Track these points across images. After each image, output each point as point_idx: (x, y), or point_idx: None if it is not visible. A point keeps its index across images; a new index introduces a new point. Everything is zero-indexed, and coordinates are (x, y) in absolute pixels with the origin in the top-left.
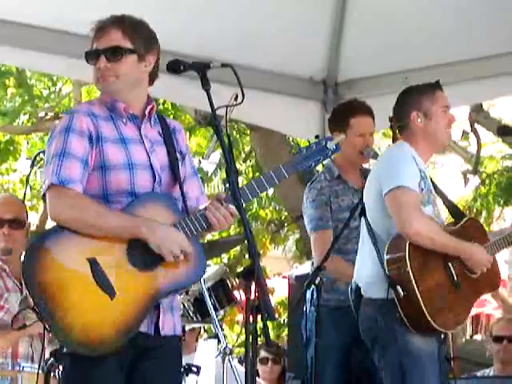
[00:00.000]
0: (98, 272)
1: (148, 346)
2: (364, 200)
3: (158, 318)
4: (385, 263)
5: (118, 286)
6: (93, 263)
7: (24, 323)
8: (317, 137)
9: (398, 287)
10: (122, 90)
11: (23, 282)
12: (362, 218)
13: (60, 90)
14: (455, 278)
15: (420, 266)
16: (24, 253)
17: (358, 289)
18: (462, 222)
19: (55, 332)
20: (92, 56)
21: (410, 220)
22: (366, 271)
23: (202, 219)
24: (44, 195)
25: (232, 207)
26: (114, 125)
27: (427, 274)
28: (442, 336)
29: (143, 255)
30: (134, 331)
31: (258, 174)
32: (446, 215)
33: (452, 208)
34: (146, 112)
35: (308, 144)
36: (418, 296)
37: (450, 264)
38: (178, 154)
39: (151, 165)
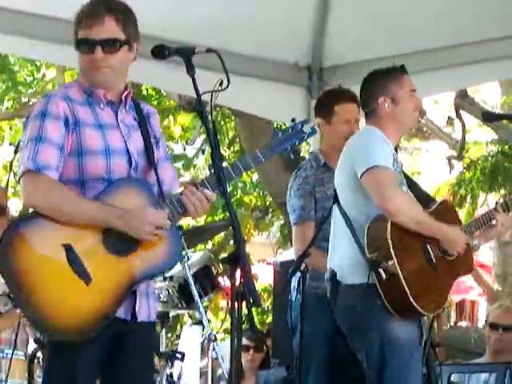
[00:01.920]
0: (74, 258)
1: (124, 330)
2: (336, 184)
3: (135, 303)
4: (365, 246)
5: (93, 272)
6: (68, 249)
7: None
8: (293, 120)
9: (381, 270)
10: (113, 81)
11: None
12: (334, 205)
13: (44, 75)
14: (433, 259)
15: (401, 248)
16: None
17: (334, 275)
18: (435, 205)
19: (31, 319)
20: (86, 45)
21: (391, 196)
22: (341, 256)
23: (178, 204)
24: (19, 179)
25: (207, 191)
26: (91, 110)
27: (408, 255)
28: (422, 321)
29: (119, 241)
30: (110, 317)
31: None
32: None
33: (421, 195)
34: (123, 97)
35: (284, 127)
36: (401, 278)
37: (427, 246)
38: (152, 139)
39: (128, 150)
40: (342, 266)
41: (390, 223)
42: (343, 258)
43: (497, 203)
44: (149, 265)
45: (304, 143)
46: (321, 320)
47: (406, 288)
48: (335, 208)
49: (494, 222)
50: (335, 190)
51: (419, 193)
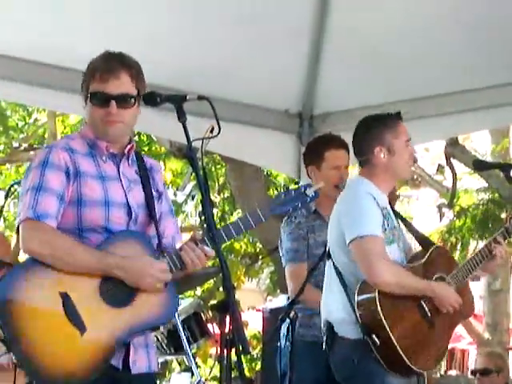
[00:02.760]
0: (70, 306)
1: (118, 378)
2: (329, 243)
3: (128, 354)
4: (355, 307)
5: (88, 321)
6: (65, 297)
7: None
8: (296, 183)
9: (373, 335)
10: (123, 135)
11: None
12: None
13: (35, 120)
14: (428, 314)
15: (392, 310)
16: None
17: (330, 326)
18: (428, 253)
19: (24, 365)
20: (100, 99)
21: (376, 270)
22: (336, 309)
23: (177, 259)
24: (18, 227)
25: (207, 249)
26: (93, 161)
27: (400, 316)
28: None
29: (115, 292)
30: (102, 368)
31: (232, 206)
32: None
33: (420, 238)
34: (126, 151)
35: (286, 189)
36: (394, 342)
37: (422, 301)
38: (154, 193)
39: (128, 202)
40: (337, 318)
41: (377, 291)
42: (337, 311)
43: (498, 232)
44: (144, 318)
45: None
46: (310, 367)
47: (400, 350)
48: (329, 263)
49: (493, 253)
50: (328, 246)
51: (417, 235)
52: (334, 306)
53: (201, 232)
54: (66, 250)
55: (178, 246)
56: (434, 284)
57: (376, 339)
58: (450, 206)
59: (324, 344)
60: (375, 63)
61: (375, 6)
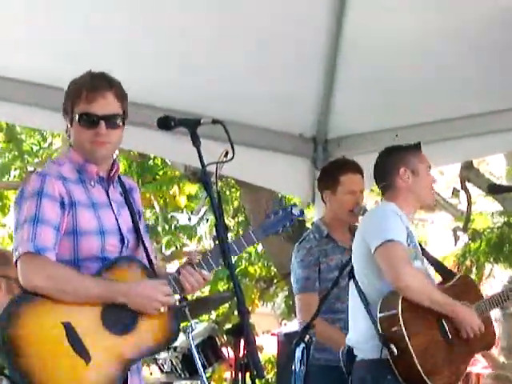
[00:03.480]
0: (73, 336)
1: None
2: (353, 261)
3: (126, 381)
4: (377, 321)
5: (92, 350)
6: (68, 327)
7: None
8: (280, 203)
9: (392, 346)
10: (110, 156)
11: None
12: (351, 281)
13: (50, 144)
14: (449, 335)
15: (413, 323)
16: None
17: (350, 350)
18: (453, 280)
19: None
20: (88, 120)
21: (401, 273)
22: (358, 333)
23: (175, 283)
24: (16, 261)
25: (205, 273)
26: (83, 188)
27: (420, 331)
28: None
29: (117, 319)
30: None
31: (246, 229)
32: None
33: (439, 267)
34: (112, 174)
35: (275, 210)
36: (412, 354)
37: (443, 321)
38: (136, 214)
39: (119, 229)
40: (358, 341)
41: (401, 299)
42: (359, 333)
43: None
44: (148, 343)
45: (308, 214)
46: None
47: (418, 365)
48: (351, 284)
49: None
50: (352, 267)
51: (437, 265)
52: (355, 329)
53: (197, 256)
54: (69, 281)
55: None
56: (459, 305)
57: (394, 349)
58: (465, 229)
59: (344, 369)
60: (389, 87)
61: (389, 30)
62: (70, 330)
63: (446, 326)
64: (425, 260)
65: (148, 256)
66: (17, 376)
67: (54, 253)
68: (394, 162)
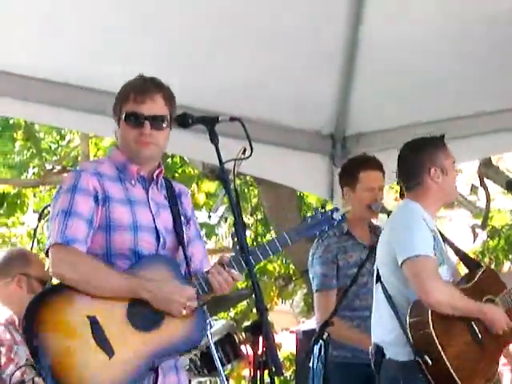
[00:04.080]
0: (98, 330)
1: None
2: (378, 265)
3: (156, 380)
4: (408, 328)
5: (116, 345)
6: (93, 321)
7: (23, 379)
8: (323, 207)
9: (426, 356)
10: (155, 158)
11: (24, 337)
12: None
13: (69, 142)
14: (479, 336)
15: (444, 331)
16: (25, 309)
17: (379, 349)
18: (478, 275)
19: None
20: (135, 120)
21: (430, 290)
22: (385, 333)
23: (204, 283)
24: (47, 251)
25: (234, 272)
26: (121, 185)
27: (452, 337)
28: None
29: (143, 316)
30: None
31: (265, 227)
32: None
33: (464, 258)
34: (155, 175)
35: (314, 213)
36: (447, 363)
37: (472, 323)
38: (182, 218)
39: (156, 227)
40: (385, 341)
41: (430, 311)
42: (386, 333)
43: None
44: (171, 342)
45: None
46: None
47: (453, 372)
48: (377, 286)
49: None
50: (377, 269)
51: (461, 256)
52: (381, 327)
53: (229, 255)
54: (94, 273)
55: (205, 269)
56: (486, 306)
57: (428, 360)
58: (484, 226)
59: (373, 367)
60: (408, 83)
61: (408, 26)
62: (95, 324)
63: (475, 327)
64: (450, 258)
65: (186, 259)
66: (41, 366)
67: (84, 245)
68: (423, 161)
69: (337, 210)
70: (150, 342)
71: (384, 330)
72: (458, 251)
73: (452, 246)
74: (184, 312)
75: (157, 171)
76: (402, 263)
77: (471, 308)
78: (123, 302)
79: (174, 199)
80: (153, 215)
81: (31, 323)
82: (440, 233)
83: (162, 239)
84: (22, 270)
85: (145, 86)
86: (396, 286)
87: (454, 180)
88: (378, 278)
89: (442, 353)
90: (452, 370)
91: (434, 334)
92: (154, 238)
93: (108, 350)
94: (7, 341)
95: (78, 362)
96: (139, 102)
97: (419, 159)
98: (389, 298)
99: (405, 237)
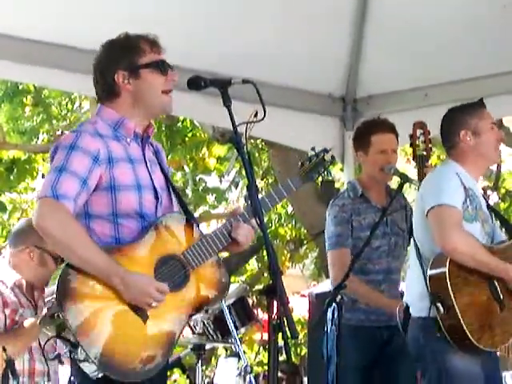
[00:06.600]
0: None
1: None
2: (413, 219)
3: None
4: (427, 279)
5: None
6: None
7: (59, 353)
8: (313, 149)
9: (439, 304)
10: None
11: (58, 307)
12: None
13: (80, 106)
14: (501, 296)
15: (461, 283)
16: (57, 278)
17: (406, 307)
18: (508, 242)
19: (89, 356)
20: (164, 66)
21: (448, 236)
22: (412, 291)
23: (223, 237)
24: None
25: (253, 222)
26: (121, 144)
27: (468, 290)
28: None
29: (170, 275)
30: (171, 352)
31: None
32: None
33: (507, 225)
34: (149, 132)
35: (308, 158)
36: (458, 313)
37: (495, 282)
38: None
39: (153, 185)
40: (412, 299)
41: (449, 260)
42: (413, 291)
43: None
44: (202, 296)
45: (337, 176)
46: (352, 353)
47: (463, 323)
48: (412, 241)
49: None
50: (411, 223)
51: (504, 223)
52: (411, 286)
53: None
54: (76, 238)
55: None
56: (506, 264)
57: (441, 307)
58: (495, 188)
59: (400, 327)
60: (418, 45)
61: None
62: None
63: (497, 286)
64: (489, 220)
65: (185, 211)
66: (74, 334)
67: (73, 203)
68: (454, 125)
69: (326, 150)
70: (181, 301)
71: (412, 288)
72: (500, 218)
73: (499, 217)
74: (154, 304)
75: (151, 128)
76: (427, 213)
77: (494, 264)
78: (151, 262)
79: (157, 155)
80: (150, 173)
81: (63, 293)
82: (488, 205)
83: (159, 197)
84: (37, 243)
85: (154, 39)
86: (424, 238)
87: (490, 141)
88: (411, 233)
89: (454, 303)
90: (462, 321)
91: (448, 284)
92: (153, 197)
93: (142, 314)
94: (12, 303)
95: (113, 331)
96: (160, 52)
97: (451, 124)
98: (417, 250)
99: (433, 187)
